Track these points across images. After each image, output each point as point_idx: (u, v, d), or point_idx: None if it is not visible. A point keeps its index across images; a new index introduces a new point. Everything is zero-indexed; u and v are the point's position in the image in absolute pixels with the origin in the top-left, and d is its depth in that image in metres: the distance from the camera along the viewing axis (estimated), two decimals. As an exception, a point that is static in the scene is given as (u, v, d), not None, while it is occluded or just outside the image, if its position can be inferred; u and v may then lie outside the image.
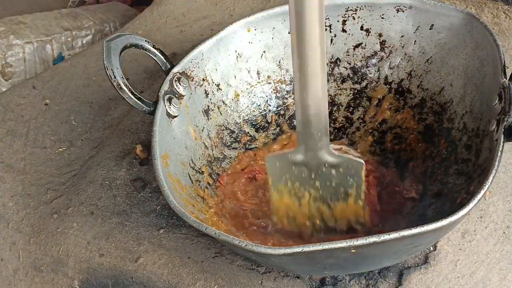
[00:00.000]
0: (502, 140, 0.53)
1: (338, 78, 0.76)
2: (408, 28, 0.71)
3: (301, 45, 0.51)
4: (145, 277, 0.66)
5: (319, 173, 0.59)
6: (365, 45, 0.74)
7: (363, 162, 0.58)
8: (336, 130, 0.76)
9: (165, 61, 0.68)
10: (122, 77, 0.62)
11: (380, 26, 0.73)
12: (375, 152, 0.74)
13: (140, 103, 0.63)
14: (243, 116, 0.75)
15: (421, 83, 0.72)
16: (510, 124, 0.53)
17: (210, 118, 0.72)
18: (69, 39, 1.26)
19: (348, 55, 0.75)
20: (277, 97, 0.77)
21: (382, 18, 0.72)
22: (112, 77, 0.62)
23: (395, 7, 0.71)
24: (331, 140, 0.76)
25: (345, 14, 0.73)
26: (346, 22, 0.74)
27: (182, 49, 1.00)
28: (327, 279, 0.63)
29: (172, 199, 0.55)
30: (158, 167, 0.58)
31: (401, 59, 0.73)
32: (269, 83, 0.77)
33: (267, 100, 0.77)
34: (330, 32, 0.74)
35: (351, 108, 0.76)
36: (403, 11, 0.71)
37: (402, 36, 0.72)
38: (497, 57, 0.59)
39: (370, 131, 0.75)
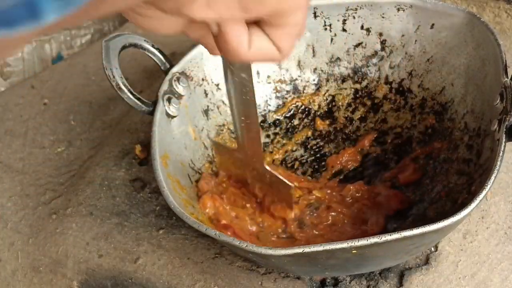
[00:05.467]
0: (503, 139, 0.53)
1: (338, 78, 0.76)
2: (409, 27, 0.71)
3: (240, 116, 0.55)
4: (145, 278, 0.66)
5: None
6: (366, 44, 0.74)
7: (291, 185, 0.63)
8: (336, 130, 0.76)
9: (164, 60, 0.68)
10: (121, 77, 0.62)
11: (381, 25, 0.72)
12: (375, 151, 0.73)
13: (139, 103, 0.63)
14: (243, 116, 0.75)
15: (422, 83, 0.71)
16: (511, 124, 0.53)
17: (210, 118, 0.72)
18: (68, 38, 1.26)
19: (349, 54, 0.75)
20: (276, 97, 0.77)
21: (383, 17, 0.72)
22: (111, 77, 0.61)
23: (395, 6, 0.70)
24: (332, 141, 0.76)
25: (345, 13, 0.73)
26: (346, 22, 0.73)
27: (182, 49, 0.99)
28: (328, 280, 0.63)
29: (171, 199, 0.54)
30: (158, 168, 0.58)
31: (402, 58, 0.73)
32: (269, 83, 0.76)
33: (267, 100, 0.76)
34: (330, 31, 0.74)
35: (352, 108, 0.76)
36: (403, 10, 0.70)
37: (403, 35, 0.71)
38: (498, 56, 0.59)
39: (371, 131, 0.74)
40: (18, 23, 0.20)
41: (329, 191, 0.69)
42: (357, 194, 0.68)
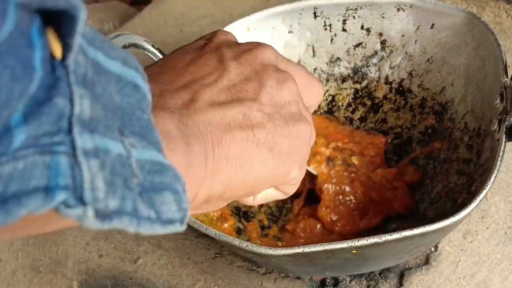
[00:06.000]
0: (503, 139, 0.53)
1: (338, 78, 0.76)
2: (409, 27, 0.71)
3: None
4: (144, 278, 0.66)
5: None
6: (366, 44, 0.74)
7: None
8: (336, 130, 0.76)
9: (164, 60, 0.68)
10: (121, 77, 0.62)
11: (381, 25, 0.72)
12: (375, 152, 0.73)
13: (139, 103, 0.63)
14: (243, 116, 0.75)
15: (422, 83, 0.71)
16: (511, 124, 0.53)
17: (210, 118, 0.71)
18: (68, 38, 1.25)
19: (349, 54, 0.75)
20: (277, 97, 0.77)
21: (383, 17, 0.72)
22: (111, 76, 0.61)
23: (395, 6, 0.70)
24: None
25: (345, 13, 0.73)
26: (346, 22, 0.73)
27: (182, 49, 0.99)
28: (328, 280, 0.63)
29: (171, 199, 0.54)
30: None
31: (402, 58, 0.72)
32: (269, 82, 0.76)
33: (267, 100, 0.76)
34: (330, 31, 0.74)
35: (352, 108, 0.76)
36: (403, 10, 0.70)
37: (403, 35, 0.71)
38: (498, 56, 0.59)
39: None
40: None
41: (365, 164, 0.69)
42: (380, 181, 0.67)
